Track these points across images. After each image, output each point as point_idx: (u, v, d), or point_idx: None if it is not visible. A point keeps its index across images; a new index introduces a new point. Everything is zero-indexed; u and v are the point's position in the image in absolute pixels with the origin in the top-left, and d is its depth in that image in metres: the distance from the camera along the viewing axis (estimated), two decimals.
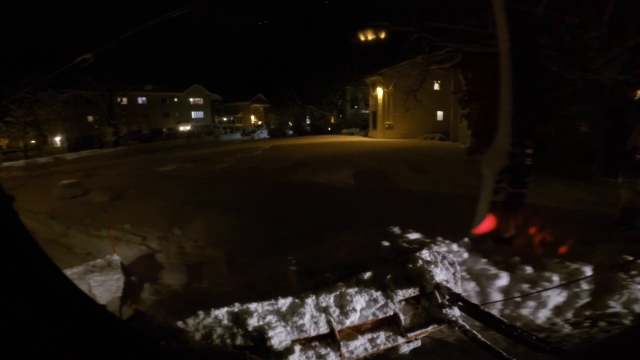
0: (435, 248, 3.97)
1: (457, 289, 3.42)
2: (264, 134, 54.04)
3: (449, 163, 15.89)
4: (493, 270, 4.17)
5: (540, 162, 6.22)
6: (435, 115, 30.98)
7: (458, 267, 3.55)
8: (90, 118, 43.65)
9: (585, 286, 3.84)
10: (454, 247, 4.64)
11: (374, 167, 14.51)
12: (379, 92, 31.89)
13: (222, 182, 13.83)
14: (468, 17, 12.90)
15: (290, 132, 52.04)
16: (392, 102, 30.92)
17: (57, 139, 42.55)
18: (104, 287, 4.22)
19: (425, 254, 3.51)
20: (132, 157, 29.19)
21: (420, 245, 4.44)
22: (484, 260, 4.40)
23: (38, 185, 16.18)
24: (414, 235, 5.06)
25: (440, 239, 4.82)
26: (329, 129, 47.41)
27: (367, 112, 50.72)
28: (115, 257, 5.22)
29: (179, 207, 9.86)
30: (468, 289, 3.90)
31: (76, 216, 10.22)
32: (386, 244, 4.74)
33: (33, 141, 34.80)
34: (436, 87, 30.33)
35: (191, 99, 57.64)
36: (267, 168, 16.16)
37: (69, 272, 4.36)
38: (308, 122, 53.79)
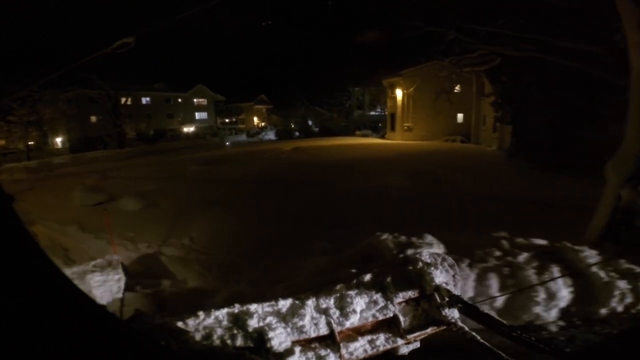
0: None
1: (457, 291, 3.42)
2: (270, 135, 53.53)
3: (493, 166, 15.93)
4: None
5: None
6: (455, 117, 30.75)
7: (457, 269, 3.55)
8: (93, 118, 42.50)
9: None
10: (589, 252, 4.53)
11: (422, 170, 14.21)
12: (398, 93, 31.72)
13: (272, 188, 12.85)
14: (509, 21, 12.95)
15: (297, 133, 51.46)
16: (412, 104, 30.92)
17: (58, 139, 40.78)
18: (104, 287, 4.22)
19: (425, 256, 3.52)
20: (140, 158, 28.50)
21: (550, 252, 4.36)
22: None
23: (48, 189, 15.44)
24: (539, 241, 4.85)
25: (568, 244, 4.68)
26: (337, 130, 46.44)
27: (375, 113, 50.47)
28: (115, 257, 5.20)
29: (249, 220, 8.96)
30: None
31: (112, 228, 9.20)
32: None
33: (31, 142, 32.96)
34: (456, 89, 29.93)
35: (195, 100, 56.66)
36: (312, 172, 15.36)
37: (68, 272, 4.33)
38: (310, 124, 53.55)
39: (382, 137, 36.88)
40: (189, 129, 52.73)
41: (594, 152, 12.94)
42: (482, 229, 5.67)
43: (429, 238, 4.39)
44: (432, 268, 3.39)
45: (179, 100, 54.14)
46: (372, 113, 51.28)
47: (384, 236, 4.64)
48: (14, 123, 30.50)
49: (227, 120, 62.40)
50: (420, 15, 15.66)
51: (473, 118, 27.93)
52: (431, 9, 15.79)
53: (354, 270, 3.83)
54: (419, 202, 10.09)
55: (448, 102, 23.16)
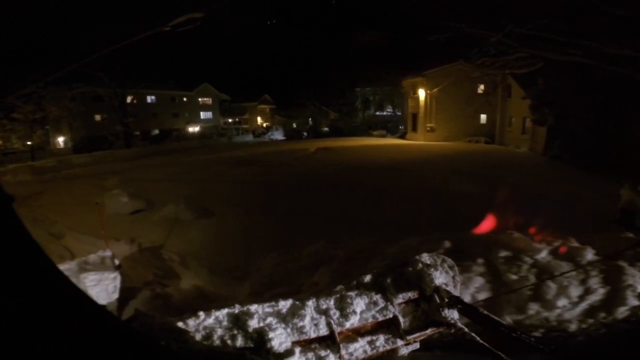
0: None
1: (457, 292, 3.43)
2: (276, 135, 53.34)
3: (538, 167, 15.97)
4: None
5: None
6: (479, 118, 30.71)
7: (457, 270, 3.56)
8: (97, 117, 40.89)
9: None
10: None
11: (477, 172, 14.14)
12: (421, 94, 31.70)
13: (341, 194, 11.88)
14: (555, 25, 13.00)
15: (305, 134, 51.02)
16: (435, 104, 30.87)
17: (61, 139, 39.25)
18: (100, 286, 4.12)
19: (425, 257, 3.52)
20: (151, 159, 27.77)
21: None
22: None
23: (65, 193, 14.37)
24: None
25: None
26: (348, 131, 45.79)
27: (385, 114, 50.13)
28: (108, 253, 4.96)
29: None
30: None
31: (174, 245, 7.53)
32: None
33: (30, 142, 31.03)
34: (480, 90, 30.01)
35: (200, 99, 55.41)
36: (367, 174, 14.64)
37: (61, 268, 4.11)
38: (310, 124, 53.30)
39: (401, 137, 36.70)
40: (194, 129, 51.89)
41: (635, 155, 13.10)
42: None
43: None
44: (432, 269, 3.40)
45: (184, 99, 52.88)
46: (380, 113, 50.95)
47: None
48: (18, 121, 28.92)
49: (229, 120, 61.74)
50: (458, 17, 15.65)
51: (498, 119, 28.01)
52: (472, 10, 15.82)
53: None
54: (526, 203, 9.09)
55: (487, 103, 23.10)
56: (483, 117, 30.72)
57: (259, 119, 64.54)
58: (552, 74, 16.41)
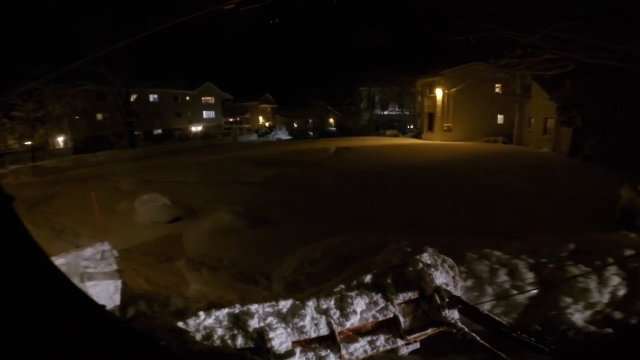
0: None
1: (457, 292, 3.43)
2: (280, 134, 52.91)
3: (572, 169, 15.87)
4: None
5: None
6: (495, 118, 30.82)
7: (457, 270, 3.56)
8: (99, 116, 39.10)
9: None
10: None
11: (522, 172, 13.92)
12: (438, 93, 31.72)
13: (396, 197, 10.95)
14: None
15: (311, 133, 50.47)
16: (453, 104, 30.92)
17: (60, 139, 36.83)
18: (100, 287, 4.04)
19: (425, 257, 3.52)
20: (158, 159, 26.38)
21: None
22: None
23: (77, 197, 13.22)
24: None
25: None
26: (356, 130, 45.16)
27: (391, 113, 49.77)
28: (107, 246, 4.76)
29: None
30: None
31: (246, 263, 6.16)
32: None
33: (28, 142, 29.19)
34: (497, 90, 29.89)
35: (203, 98, 54.10)
36: (410, 176, 13.84)
37: (57, 262, 3.92)
38: (311, 124, 53.03)
39: (415, 137, 36.43)
40: (196, 129, 50.95)
41: None
42: None
43: None
44: (432, 269, 3.40)
45: (187, 98, 51.54)
46: (389, 113, 50.60)
47: None
48: (19, 119, 26.93)
49: (230, 120, 60.88)
50: (486, 17, 15.69)
51: (516, 119, 28.00)
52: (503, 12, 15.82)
53: None
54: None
55: (519, 103, 23.16)
56: (500, 117, 30.87)
57: (260, 119, 64.26)
58: (580, 75, 16.53)
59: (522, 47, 16.36)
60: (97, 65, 29.21)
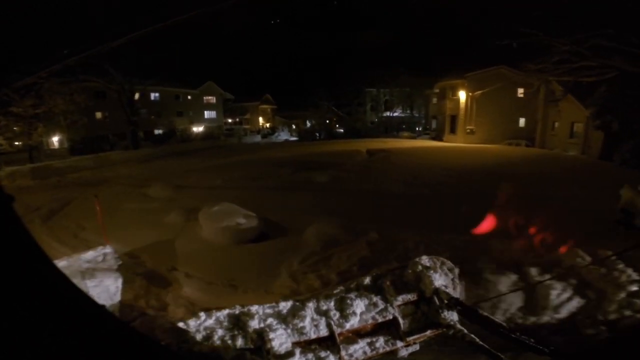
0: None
1: (456, 294, 3.43)
2: (283, 135, 52.47)
3: (613, 172, 15.52)
4: None
5: None
6: (517, 121, 31.08)
7: (457, 272, 3.56)
8: (98, 114, 36.61)
9: None
10: None
11: (577, 176, 13.74)
12: (462, 95, 31.96)
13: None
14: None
15: (317, 134, 49.01)
16: (476, 107, 31.18)
17: (55, 139, 33.55)
18: (100, 287, 4.00)
19: (424, 259, 3.53)
20: (168, 160, 24.78)
21: None
22: None
23: (98, 205, 10.03)
24: None
25: None
26: (365, 132, 43.98)
27: (400, 115, 49.40)
28: (109, 249, 4.75)
29: None
30: None
31: None
32: None
33: (18, 142, 26.28)
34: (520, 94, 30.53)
35: (204, 98, 52.55)
36: (485, 181, 12.83)
37: (59, 265, 3.92)
38: (313, 124, 52.57)
39: (434, 139, 36.30)
40: (197, 129, 49.46)
41: None
42: None
43: None
44: (432, 271, 3.41)
45: (189, 97, 49.63)
46: (398, 115, 50.07)
47: None
48: (16, 116, 24.01)
49: (229, 120, 59.86)
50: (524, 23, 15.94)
51: (540, 123, 28.31)
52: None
53: None
54: None
55: (557, 108, 23.45)
56: (522, 121, 31.23)
57: (260, 120, 63.79)
58: (617, 81, 16.95)
59: (563, 53, 16.61)
60: (101, 60, 27.64)
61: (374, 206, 10.49)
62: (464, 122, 32.14)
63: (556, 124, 26.60)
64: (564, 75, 18.38)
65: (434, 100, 40.16)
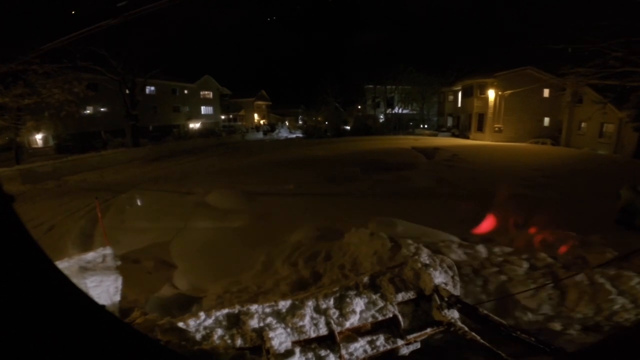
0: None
1: (456, 292, 3.43)
2: (283, 132, 51.87)
3: None
4: None
5: None
6: (542, 120, 32.16)
7: (456, 270, 3.56)
8: (89, 109, 33.62)
9: None
10: None
11: None
12: (490, 94, 32.57)
13: None
14: None
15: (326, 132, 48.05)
16: (504, 106, 32.02)
17: (38, 136, 29.48)
18: (101, 287, 4.03)
19: (424, 257, 3.52)
20: (180, 160, 22.50)
21: None
22: None
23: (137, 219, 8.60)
24: None
25: None
26: (375, 129, 42.97)
27: (404, 112, 49.11)
28: (109, 251, 4.78)
29: None
30: None
31: None
32: None
33: (17, 138, 22.59)
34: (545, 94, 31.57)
35: (201, 93, 49.88)
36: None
37: (59, 265, 3.93)
38: (305, 124, 52.16)
39: (457, 136, 36.27)
40: (194, 125, 47.50)
41: None
42: None
43: None
44: (431, 269, 3.40)
45: (186, 91, 46.56)
46: (408, 112, 49.70)
47: None
48: (0, 108, 20.38)
49: (222, 117, 58.07)
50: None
51: (565, 122, 29.14)
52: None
53: None
54: None
55: (603, 108, 23.96)
56: (546, 120, 32.31)
57: (255, 116, 63.17)
58: None
59: (612, 59, 17.20)
60: (97, 47, 25.27)
61: (528, 211, 8.31)
62: (492, 121, 32.90)
63: (583, 124, 27.47)
64: (607, 79, 18.99)
65: (450, 97, 40.83)
